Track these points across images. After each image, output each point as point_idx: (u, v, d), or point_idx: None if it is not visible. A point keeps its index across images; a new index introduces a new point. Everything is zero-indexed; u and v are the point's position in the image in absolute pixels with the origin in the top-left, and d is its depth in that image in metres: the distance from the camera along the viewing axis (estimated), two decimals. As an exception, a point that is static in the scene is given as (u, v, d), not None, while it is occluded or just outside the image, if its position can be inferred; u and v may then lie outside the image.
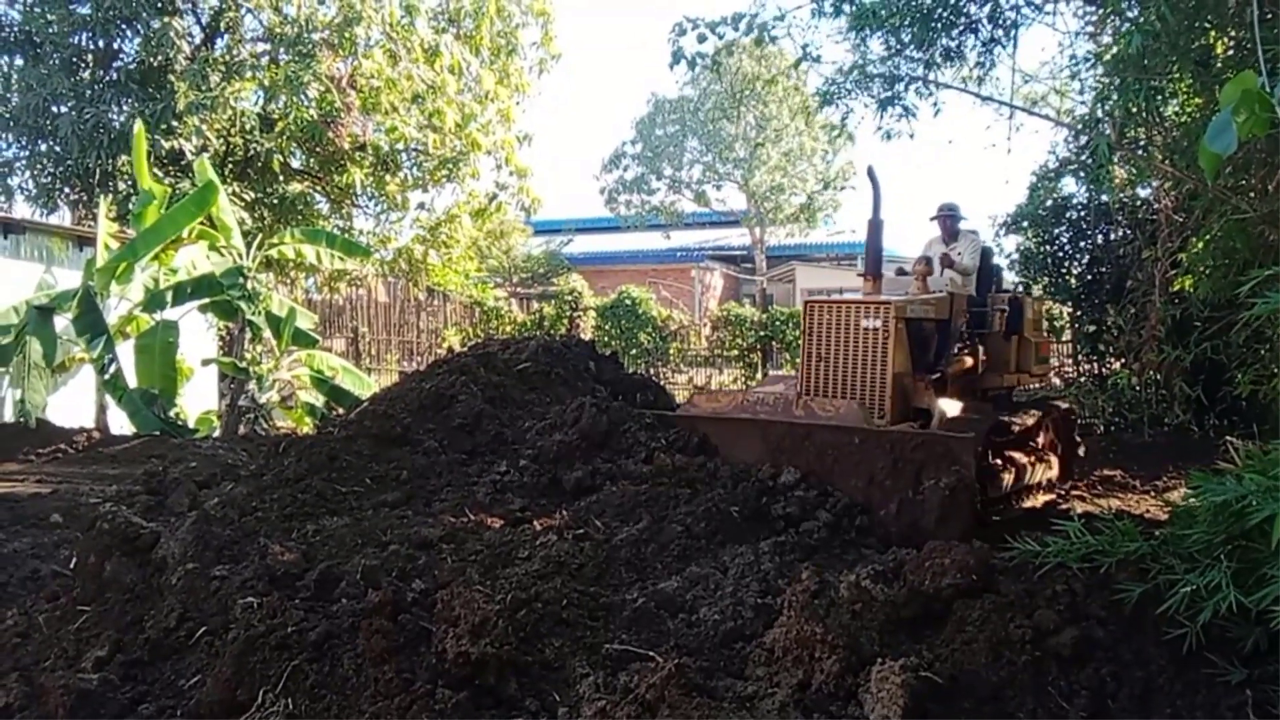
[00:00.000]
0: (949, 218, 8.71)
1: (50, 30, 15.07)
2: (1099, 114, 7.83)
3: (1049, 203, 12.59)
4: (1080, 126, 9.48)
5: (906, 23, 8.45)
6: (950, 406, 7.09)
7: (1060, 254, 12.94)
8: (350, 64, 16.25)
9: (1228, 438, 4.09)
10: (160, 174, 14.21)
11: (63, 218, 16.30)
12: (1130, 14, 7.06)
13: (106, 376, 11.72)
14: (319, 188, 18.07)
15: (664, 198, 35.26)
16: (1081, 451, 9.56)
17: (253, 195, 16.54)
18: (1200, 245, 7.74)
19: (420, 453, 5.87)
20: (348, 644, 3.57)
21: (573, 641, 3.70)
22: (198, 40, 16.42)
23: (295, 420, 13.73)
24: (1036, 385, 14.49)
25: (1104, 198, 11.23)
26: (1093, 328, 12.72)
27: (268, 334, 13.13)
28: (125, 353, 12.06)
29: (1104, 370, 12.89)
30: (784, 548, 4.74)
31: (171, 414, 12.08)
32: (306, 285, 19.16)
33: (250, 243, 13.59)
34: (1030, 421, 7.89)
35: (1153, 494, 8.82)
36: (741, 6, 10.12)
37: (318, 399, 13.49)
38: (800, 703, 3.25)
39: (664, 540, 4.71)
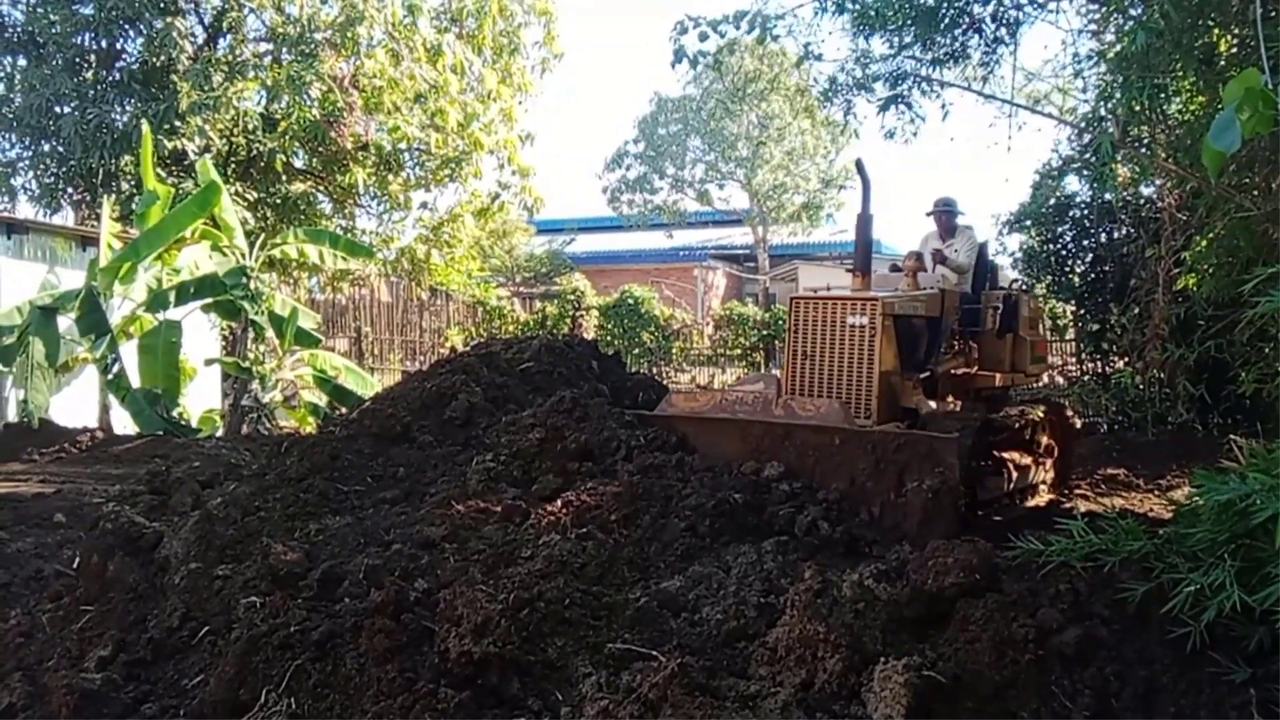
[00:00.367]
0: (945, 213, 8.53)
1: (53, 31, 15.09)
2: (1102, 112, 7.82)
3: (1052, 201, 12.59)
4: (1083, 125, 9.47)
5: (909, 22, 8.44)
6: (939, 406, 7.00)
7: (1063, 253, 12.93)
8: (353, 64, 16.25)
9: (1231, 436, 4.07)
10: (163, 174, 14.23)
11: (66, 218, 16.33)
12: (1133, 11, 7.05)
13: (110, 376, 11.74)
14: (322, 187, 18.08)
15: (666, 197, 35.24)
16: (1077, 452, 9.39)
17: (255, 195, 16.55)
18: (1204, 243, 7.72)
19: (416, 447, 5.86)
20: (350, 643, 3.57)
21: (575, 641, 3.70)
22: (200, 40, 16.43)
23: (298, 420, 13.74)
24: (1042, 384, 14.51)
25: (1107, 196, 11.22)
26: (1096, 326, 12.72)
27: (271, 334, 13.15)
28: (128, 353, 12.08)
29: (1108, 369, 12.88)
30: (786, 547, 4.73)
31: (174, 414, 12.10)
32: (309, 285, 19.18)
33: (253, 243, 13.60)
34: (1023, 422, 7.74)
35: (1156, 493, 8.81)
36: (743, 5, 10.08)
37: (321, 399, 13.50)
38: (803, 702, 3.24)
39: (665, 539, 4.71)
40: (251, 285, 12.69)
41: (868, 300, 6.83)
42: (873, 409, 6.64)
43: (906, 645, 3.44)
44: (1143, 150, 7.98)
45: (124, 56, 16.22)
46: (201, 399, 14.11)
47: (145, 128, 12.76)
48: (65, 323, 12.09)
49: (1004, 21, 8.70)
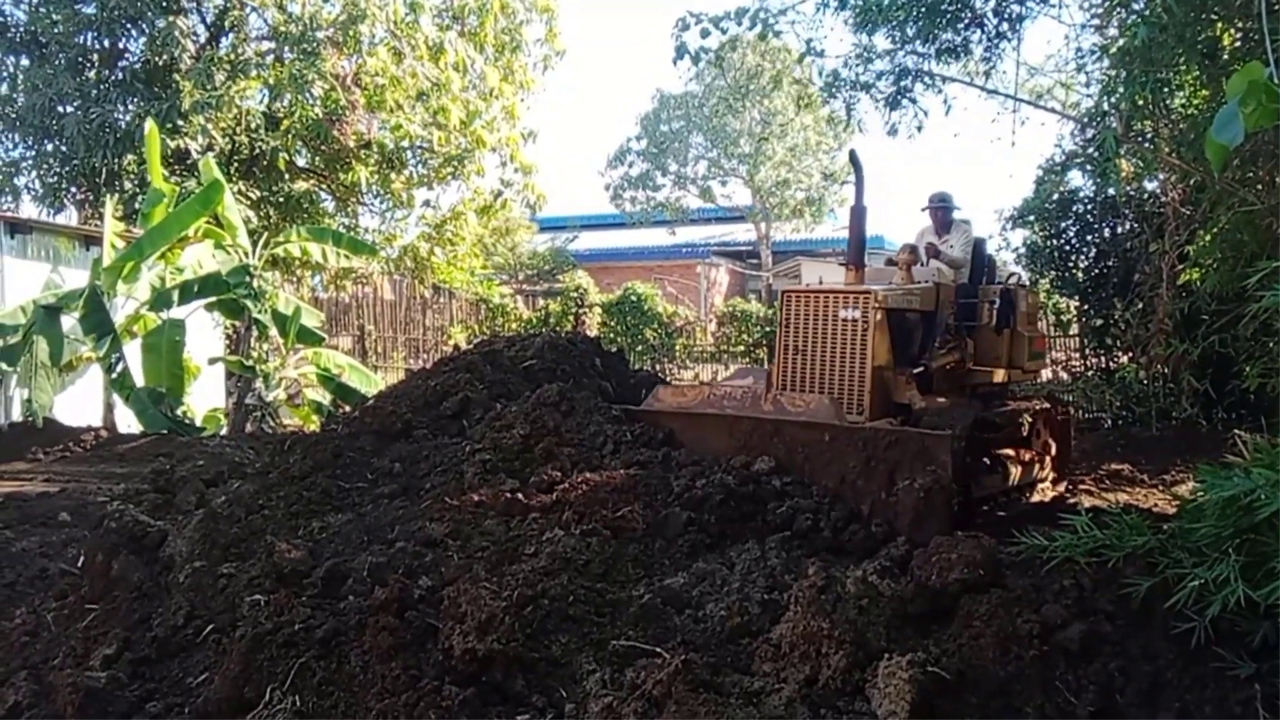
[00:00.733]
0: (941, 208, 8.43)
1: (56, 30, 15.11)
2: (1105, 107, 7.80)
3: (1055, 196, 12.57)
4: (1087, 120, 9.46)
5: (911, 17, 8.42)
6: (933, 402, 6.80)
7: (1067, 248, 12.91)
8: (355, 62, 16.26)
9: (1236, 431, 4.07)
10: (166, 173, 14.24)
11: (69, 217, 16.35)
12: (1136, 6, 7.04)
13: (114, 375, 11.76)
14: (324, 186, 18.09)
15: (669, 194, 35.20)
16: (1079, 448, 9.25)
17: (258, 194, 16.56)
18: (1208, 238, 7.72)
19: (412, 442, 5.85)
20: (355, 641, 3.57)
21: (579, 638, 3.70)
22: (203, 39, 16.44)
23: (302, 418, 13.76)
24: (1046, 380, 14.49)
25: (1111, 191, 11.20)
26: (1100, 322, 12.70)
27: (274, 332, 13.16)
28: (132, 352, 12.09)
29: (1111, 364, 12.87)
30: (790, 543, 4.72)
31: (178, 412, 12.12)
32: (313, 283, 19.18)
33: (256, 241, 13.61)
34: (1019, 418, 7.61)
35: (1160, 488, 8.79)
36: (745, 1, 10.07)
37: (324, 397, 13.52)
38: (807, 698, 3.24)
39: (668, 535, 4.70)
40: (255, 284, 12.70)
41: (860, 293, 6.72)
42: (865, 404, 6.54)
43: (910, 641, 3.44)
44: (1146, 145, 7.97)
45: (126, 56, 16.23)
46: (205, 398, 14.13)
47: (152, 126, 12.77)
48: (69, 322, 12.10)
49: (1006, 16, 8.69)
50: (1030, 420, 7.88)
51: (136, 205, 13.32)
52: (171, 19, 15.09)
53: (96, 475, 9.06)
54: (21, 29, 15.76)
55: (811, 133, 32.58)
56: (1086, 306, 13.15)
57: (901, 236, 26.58)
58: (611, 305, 19.74)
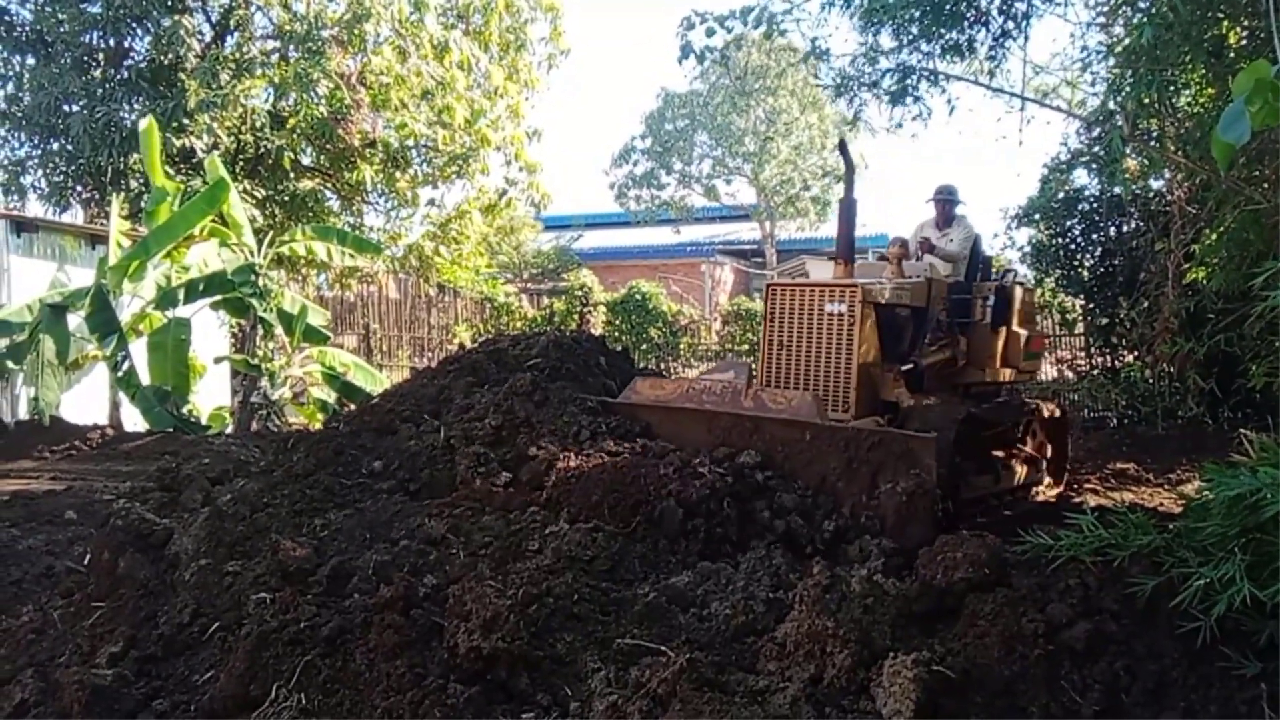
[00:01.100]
0: (946, 201, 8.26)
1: (61, 29, 15.14)
2: (1111, 106, 7.78)
3: (1061, 195, 12.55)
4: (1093, 119, 9.44)
5: (917, 15, 8.41)
6: (923, 401, 6.64)
7: (1072, 246, 12.90)
8: (360, 61, 16.27)
9: (1241, 430, 4.06)
10: (172, 172, 14.27)
11: (75, 216, 16.39)
12: (1142, 4, 7.02)
13: (119, 374, 11.78)
14: (329, 185, 18.11)
15: (674, 192, 35.19)
16: (1078, 450, 9.09)
17: (264, 192, 16.58)
18: (1213, 237, 7.70)
19: (401, 436, 5.82)
20: (360, 639, 3.58)
21: (584, 636, 3.70)
22: (208, 38, 16.47)
23: (307, 417, 13.78)
24: (1050, 380, 14.46)
25: (1116, 190, 11.18)
26: (1105, 320, 12.69)
27: (279, 331, 13.19)
28: (138, 350, 12.12)
29: (1117, 363, 12.86)
30: (796, 543, 4.71)
31: (184, 411, 12.14)
32: (318, 282, 19.23)
33: (261, 240, 13.64)
34: (1013, 418, 7.45)
35: (1166, 487, 8.79)
36: (750, 0, 10.06)
37: (330, 395, 13.54)
38: (812, 697, 3.24)
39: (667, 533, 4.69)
40: (260, 282, 12.72)
41: (846, 287, 6.54)
42: (850, 401, 6.39)
43: (915, 640, 3.44)
44: (1152, 143, 7.96)
45: (132, 55, 16.26)
46: (211, 396, 14.16)
47: (149, 122, 12.79)
48: (75, 320, 12.13)
49: (1011, 15, 8.67)
50: (1026, 421, 7.72)
51: (142, 204, 13.34)
52: (177, 18, 15.12)
53: (102, 473, 9.08)
54: (27, 28, 15.80)
55: (816, 131, 32.57)
56: (1092, 305, 13.14)
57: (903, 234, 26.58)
58: (616, 304, 19.74)
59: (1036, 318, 9.10)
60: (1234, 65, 6.25)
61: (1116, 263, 12.32)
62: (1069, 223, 12.76)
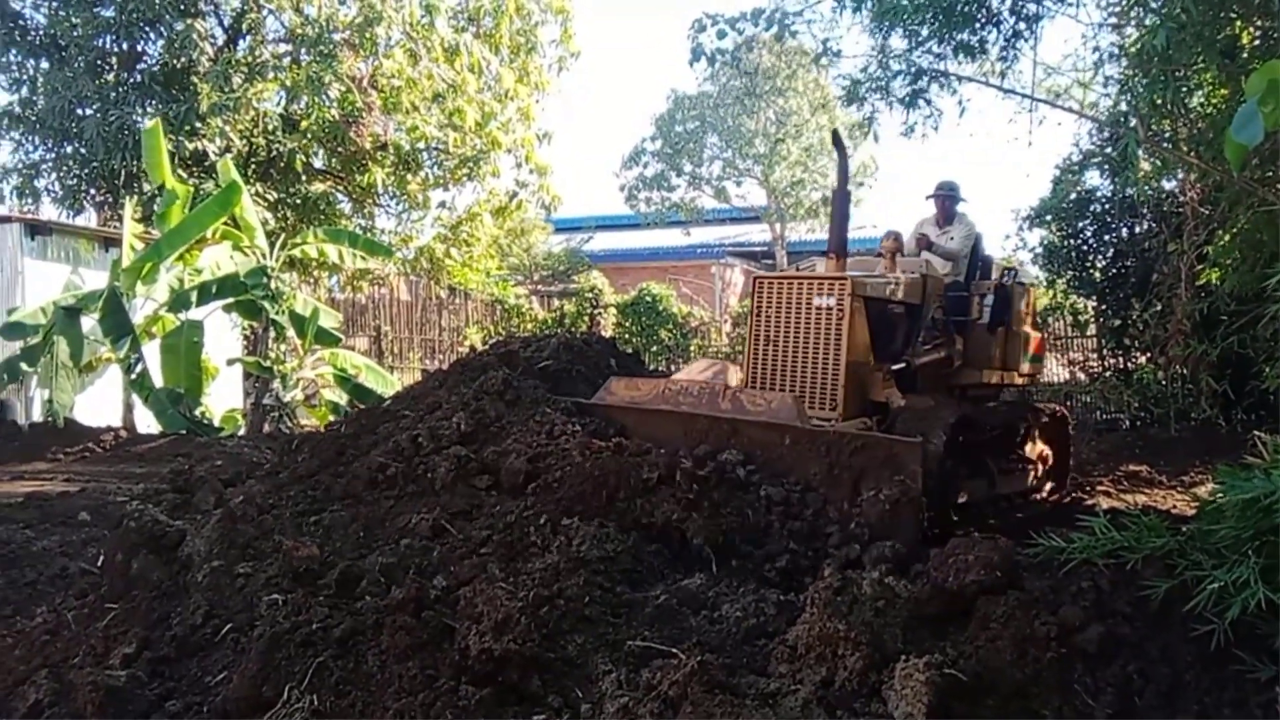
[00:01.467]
0: (947, 198, 7.98)
1: (75, 34, 15.24)
2: (1123, 106, 7.76)
3: (1072, 196, 12.51)
4: (1105, 119, 9.41)
5: (928, 17, 8.38)
6: (915, 402, 6.37)
7: (1084, 248, 12.87)
8: (371, 64, 16.34)
9: (1255, 432, 4.04)
10: (184, 175, 14.34)
11: (89, 219, 16.50)
12: (1154, 4, 7.00)
13: (133, 376, 11.84)
14: (341, 187, 18.18)
15: (684, 194, 35.16)
16: (1076, 457, 8.77)
17: (275, 195, 16.66)
18: (1227, 238, 7.67)
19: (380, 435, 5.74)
20: (372, 641, 3.59)
21: (595, 638, 3.70)
22: (220, 42, 16.55)
23: (319, 419, 13.83)
24: (1063, 382, 14.40)
25: (1129, 191, 11.14)
26: (1118, 322, 12.65)
27: (291, 333, 13.24)
28: (151, 352, 12.18)
29: (1129, 365, 12.81)
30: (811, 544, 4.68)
31: (197, 413, 12.20)
32: (329, 284, 19.28)
33: (273, 242, 13.69)
34: (1011, 422, 7.22)
35: (1179, 489, 8.75)
36: (761, 2, 10.07)
37: (341, 397, 13.58)
38: (823, 699, 3.24)
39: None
40: (272, 285, 12.78)
41: (836, 280, 6.28)
42: (838, 401, 6.11)
43: (927, 643, 3.43)
44: (1165, 144, 7.93)
45: (145, 59, 16.36)
46: (223, 398, 14.22)
47: (155, 124, 12.85)
48: (89, 323, 12.20)
49: (1023, 15, 8.64)
50: (1025, 424, 7.47)
51: (155, 207, 13.42)
52: (189, 22, 15.21)
53: (116, 475, 9.12)
54: (41, 32, 15.91)
55: (827, 132, 32.50)
56: (1104, 307, 13.10)
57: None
58: (626, 306, 19.74)
59: (1038, 319, 8.77)
60: (1247, 66, 6.23)
61: (1129, 264, 12.28)
62: (1081, 224, 12.73)
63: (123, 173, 14.89)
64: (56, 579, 5.56)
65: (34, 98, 15.84)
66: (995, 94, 9.48)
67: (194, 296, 12.20)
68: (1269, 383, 6.94)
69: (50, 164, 16.10)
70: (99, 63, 15.65)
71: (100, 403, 13.02)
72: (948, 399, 7.11)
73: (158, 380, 11.98)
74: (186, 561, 4.49)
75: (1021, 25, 8.68)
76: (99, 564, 4.92)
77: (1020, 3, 8.49)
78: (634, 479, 4.67)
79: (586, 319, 19.51)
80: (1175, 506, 7.68)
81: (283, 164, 16.24)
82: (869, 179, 33.21)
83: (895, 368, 6.48)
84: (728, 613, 3.94)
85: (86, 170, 15.55)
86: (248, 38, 16.46)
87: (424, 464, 5.10)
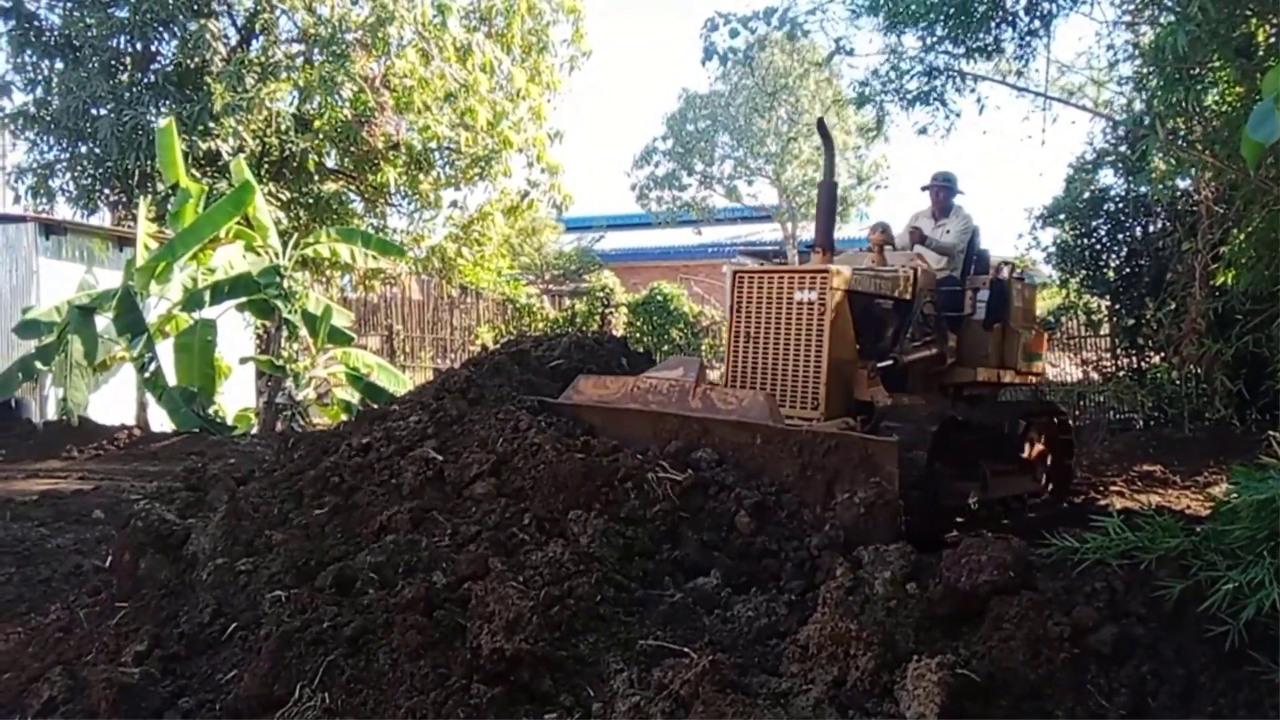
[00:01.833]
0: (944, 189, 7.70)
1: (89, 34, 15.32)
2: (1137, 105, 7.72)
3: (1086, 195, 12.45)
4: (1128, 123, 9.35)
5: (942, 17, 8.35)
6: (901, 401, 6.16)
7: (1098, 247, 12.81)
8: (383, 64, 16.38)
9: (1270, 432, 4.01)
10: (198, 175, 14.40)
11: (103, 219, 16.58)
12: (1169, 2, 6.96)
13: (146, 375, 11.90)
14: (353, 187, 18.23)
15: (695, 193, 35.16)
16: (1080, 460, 8.46)
17: (288, 195, 16.72)
18: (1241, 237, 7.62)
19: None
20: (383, 639, 3.59)
21: (607, 637, 3.70)
22: (233, 42, 16.61)
23: (331, 417, 13.87)
24: (1076, 382, 14.34)
25: (1142, 189, 11.09)
26: (1132, 321, 12.59)
27: (304, 332, 13.29)
28: (165, 351, 12.24)
29: (1143, 364, 12.75)
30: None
31: (210, 411, 12.26)
32: (342, 284, 19.35)
33: (286, 242, 13.74)
34: (1007, 422, 6.96)
35: (1193, 489, 8.71)
36: (774, 1, 10.03)
37: (353, 396, 13.61)
38: (835, 699, 3.23)
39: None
40: (285, 284, 12.82)
41: (818, 273, 6.03)
42: (820, 399, 5.90)
43: (939, 643, 3.42)
44: (1179, 143, 7.88)
45: (158, 59, 16.43)
46: (236, 397, 14.29)
47: (168, 123, 12.90)
48: (103, 322, 12.27)
49: (1038, 14, 8.60)
50: (1024, 425, 7.17)
51: (169, 207, 13.49)
52: (203, 22, 15.27)
53: (130, 473, 9.17)
54: (55, 32, 15.99)
55: (838, 132, 32.45)
56: (1118, 306, 13.03)
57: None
58: (637, 305, 19.76)
59: (1035, 315, 8.38)
60: (1263, 63, 6.19)
61: (1143, 263, 12.22)
62: (1094, 223, 12.67)
63: (136, 172, 14.96)
64: (70, 576, 5.60)
65: (49, 98, 15.92)
66: (1008, 92, 9.46)
67: (207, 296, 12.25)
68: (1284, 382, 6.90)
69: (65, 164, 16.18)
70: (113, 63, 15.72)
71: (114, 401, 13.10)
72: (940, 398, 6.93)
73: (171, 379, 12.03)
74: (192, 560, 4.49)
75: (1036, 23, 8.65)
76: (108, 564, 4.93)
77: (1035, 1, 8.45)
78: (615, 478, 4.57)
79: (598, 318, 19.53)
80: (1189, 507, 7.64)
81: (295, 164, 16.29)
82: (882, 179, 33.16)
83: (882, 365, 6.25)
84: (740, 612, 3.93)
85: (101, 170, 15.62)
86: (261, 38, 16.52)
87: (387, 466, 4.98)
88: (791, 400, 6.05)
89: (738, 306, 6.29)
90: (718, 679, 3.15)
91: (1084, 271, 12.97)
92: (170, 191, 13.80)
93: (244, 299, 12.82)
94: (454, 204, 18.81)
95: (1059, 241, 13.11)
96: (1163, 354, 11.75)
